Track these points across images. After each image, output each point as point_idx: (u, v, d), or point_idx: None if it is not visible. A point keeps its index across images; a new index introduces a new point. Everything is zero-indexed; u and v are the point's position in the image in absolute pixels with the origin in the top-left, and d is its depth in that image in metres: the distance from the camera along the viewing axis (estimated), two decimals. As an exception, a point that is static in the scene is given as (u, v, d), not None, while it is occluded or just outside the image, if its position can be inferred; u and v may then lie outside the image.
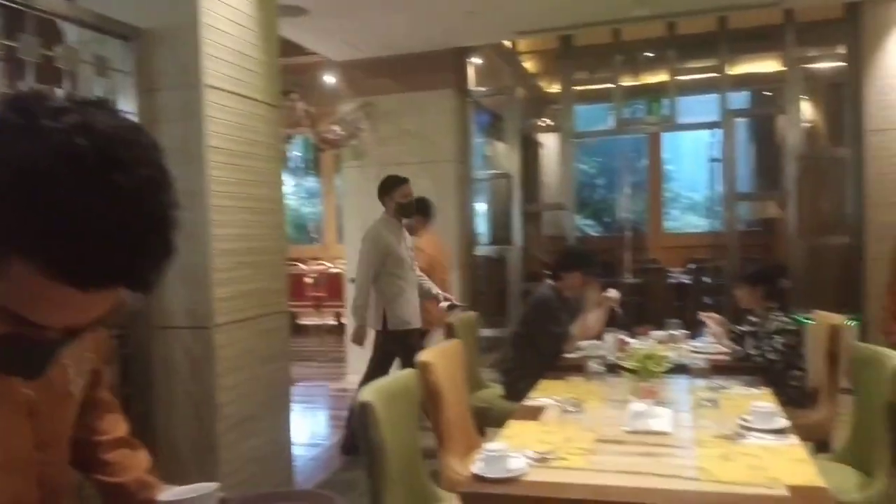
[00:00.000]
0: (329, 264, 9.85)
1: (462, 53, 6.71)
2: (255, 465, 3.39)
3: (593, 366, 3.20)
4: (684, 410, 2.65)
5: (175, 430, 3.12)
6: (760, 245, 8.34)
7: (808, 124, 6.84)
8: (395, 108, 6.60)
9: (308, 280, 9.68)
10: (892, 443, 2.42)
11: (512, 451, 2.09)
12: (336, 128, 6.53)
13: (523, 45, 7.45)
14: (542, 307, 3.91)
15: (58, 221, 0.71)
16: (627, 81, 7.11)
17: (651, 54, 7.07)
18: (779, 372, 3.40)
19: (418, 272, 4.72)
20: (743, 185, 8.22)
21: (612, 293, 4.04)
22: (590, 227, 11.83)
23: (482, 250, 7.15)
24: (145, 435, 2.89)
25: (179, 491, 1.22)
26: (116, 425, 1.31)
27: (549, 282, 4.03)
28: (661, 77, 6.85)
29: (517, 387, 3.53)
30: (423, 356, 2.79)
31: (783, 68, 6.27)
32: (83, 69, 2.93)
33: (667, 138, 10.63)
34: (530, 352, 3.85)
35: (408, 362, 3.90)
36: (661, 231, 10.62)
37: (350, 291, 6.87)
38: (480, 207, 7.61)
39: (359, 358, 6.34)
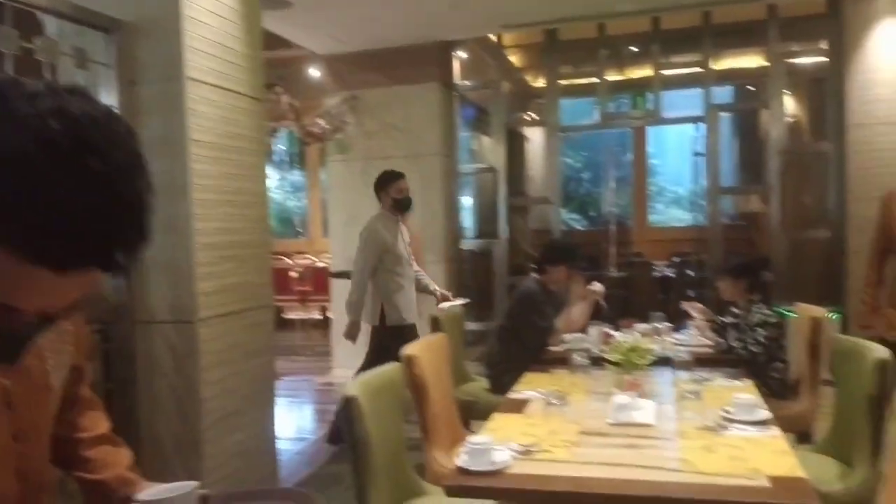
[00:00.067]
0: (314, 258, 9.82)
1: (447, 47, 6.69)
2: (239, 460, 3.38)
3: (577, 359, 3.22)
4: (667, 402, 2.67)
5: (159, 425, 3.11)
6: (744, 238, 8.41)
7: (790, 119, 6.89)
8: (381, 101, 6.58)
9: (293, 274, 9.64)
10: (873, 434, 2.45)
11: (496, 443, 2.09)
12: (321, 121, 6.49)
13: (508, 39, 7.44)
14: (527, 301, 3.92)
15: (31, 204, 0.71)
16: (612, 76, 7.13)
17: (636, 49, 7.10)
18: (761, 364, 3.43)
19: (415, 267, 4.72)
20: (726, 179, 8.28)
21: (597, 286, 4.05)
22: (575, 221, 11.88)
23: (468, 244, 7.16)
24: (129, 430, 2.88)
25: (159, 490, 1.21)
26: (97, 422, 1.30)
27: (535, 275, 4.04)
28: (645, 71, 6.88)
29: (502, 380, 3.54)
30: (408, 350, 2.79)
31: (766, 63, 6.31)
32: (63, 62, 2.89)
33: (651, 132, 10.69)
34: (515, 345, 3.86)
35: None
36: (645, 225, 10.68)
37: (333, 285, 6.89)
38: (466, 201, 7.61)
39: (344, 352, 6.36)
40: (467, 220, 7.73)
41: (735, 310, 3.78)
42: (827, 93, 6.07)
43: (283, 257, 9.60)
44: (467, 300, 4.87)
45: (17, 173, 0.71)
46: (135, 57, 3.06)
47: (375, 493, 2.21)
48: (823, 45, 6.14)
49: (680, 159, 12.12)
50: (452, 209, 6.81)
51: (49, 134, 0.72)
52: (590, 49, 6.74)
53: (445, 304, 4.62)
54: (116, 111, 0.85)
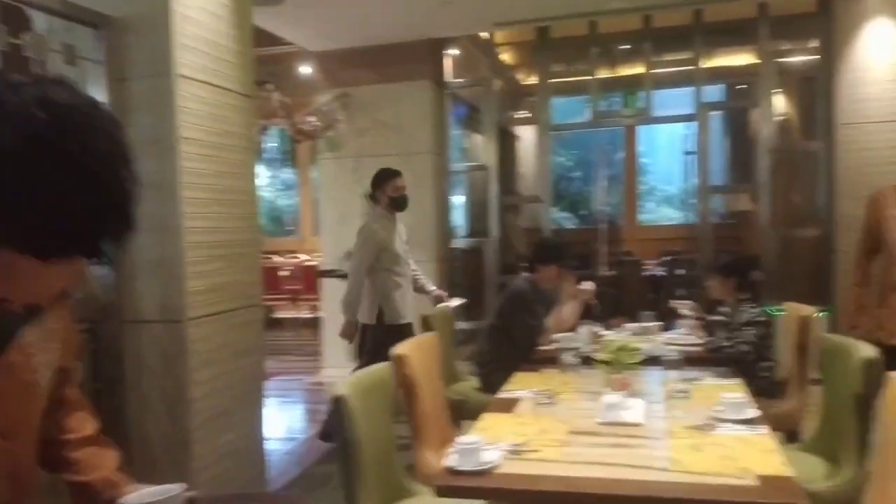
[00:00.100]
0: (305, 257, 9.78)
1: (439, 45, 6.68)
2: (228, 460, 3.37)
3: (567, 358, 3.22)
4: (657, 401, 2.67)
5: (147, 425, 3.09)
6: (733, 237, 8.43)
7: (780, 118, 6.91)
8: (372, 99, 6.56)
9: (284, 273, 9.61)
10: (860, 433, 2.47)
11: (486, 443, 2.09)
12: (312, 119, 6.47)
13: (500, 36, 7.43)
14: (518, 299, 3.92)
15: (16, 193, 0.72)
16: (604, 74, 7.13)
17: (627, 47, 7.11)
18: (750, 363, 3.45)
19: (413, 266, 4.70)
20: (716, 177, 8.31)
21: (587, 285, 4.05)
22: (566, 220, 11.89)
23: (459, 242, 7.15)
24: (117, 431, 2.87)
25: (145, 493, 1.20)
26: (85, 424, 1.29)
27: (525, 274, 4.04)
28: (637, 70, 6.89)
29: (492, 379, 3.54)
30: (398, 349, 2.79)
31: (757, 62, 6.33)
32: (52, 58, 2.87)
33: (642, 131, 10.70)
34: (506, 344, 3.86)
35: None
36: (635, 223, 10.69)
37: (323, 284, 6.86)
38: (457, 199, 7.60)
39: (335, 351, 6.35)
40: (458, 218, 7.72)
41: (724, 308, 3.80)
42: (817, 91, 6.10)
43: (273, 256, 9.57)
44: (465, 300, 4.85)
45: (0, 163, 0.71)
46: (124, 53, 3.04)
47: (365, 493, 2.21)
48: (814, 43, 6.17)
49: (670, 158, 12.15)
50: (444, 207, 6.80)
51: (33, 123, 0.72)
52: (581, 47, 6.75)
53: (442, 305, 4.61)
54: (100, 101, 0.85)
